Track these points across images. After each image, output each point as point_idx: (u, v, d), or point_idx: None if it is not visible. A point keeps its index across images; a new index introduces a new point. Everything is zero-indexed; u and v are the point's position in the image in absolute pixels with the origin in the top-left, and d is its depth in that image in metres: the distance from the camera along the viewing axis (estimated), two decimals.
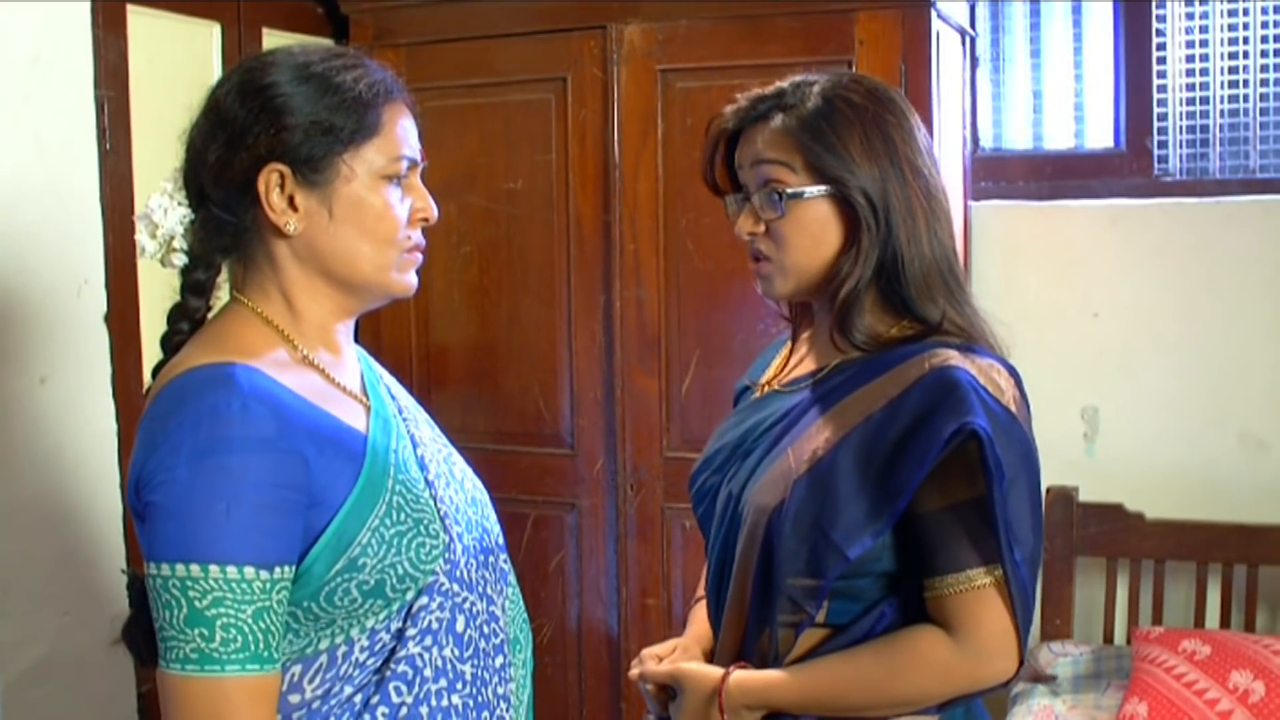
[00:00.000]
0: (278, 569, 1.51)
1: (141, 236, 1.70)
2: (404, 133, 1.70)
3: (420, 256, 1.75)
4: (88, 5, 2.92)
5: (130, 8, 3.02)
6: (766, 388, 1.99)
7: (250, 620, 1.48)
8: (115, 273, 2.98)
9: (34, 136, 2.82)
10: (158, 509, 1.51)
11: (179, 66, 3.20)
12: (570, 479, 3.56)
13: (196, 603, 1.47)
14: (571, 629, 3.60)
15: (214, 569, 1.47)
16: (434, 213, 1.74)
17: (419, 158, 1.73)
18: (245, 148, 1.62)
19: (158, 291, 3.05)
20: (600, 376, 3.48)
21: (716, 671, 1.84)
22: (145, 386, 2.97)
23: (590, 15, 3.39)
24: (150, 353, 3.05)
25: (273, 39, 3.43)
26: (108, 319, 2.98)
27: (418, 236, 1.73)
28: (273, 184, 1.62)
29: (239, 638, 1.47)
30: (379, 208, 1.66)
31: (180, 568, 1.47)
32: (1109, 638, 3.59)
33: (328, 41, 1.77)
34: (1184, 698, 3.01)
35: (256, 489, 1.51)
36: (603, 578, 3.54)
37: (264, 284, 1.70)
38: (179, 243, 1.69)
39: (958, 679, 1.74)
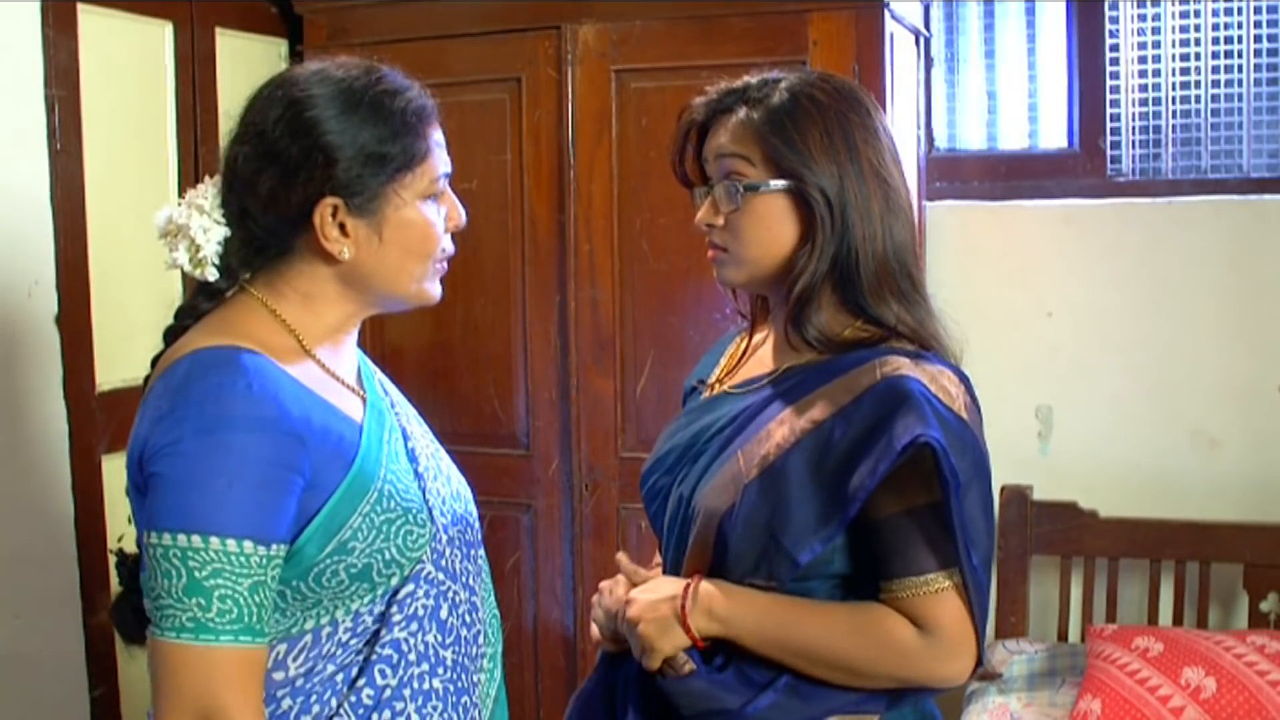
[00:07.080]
0: (274, 545, 1.57)
1: (179, 254, 1.71)
2: (442, 150, 1.76)
3: (447, 264, 1.81)
4: (38, 4, 2.89)
5: (81, 7, 3.00)
6: (717, 387, 1.99)
7: (246, 593, 1.54)
8: (66, 274, 2.97)
9: None
10: (162, 480, 1.55)
11: (130, 66, 3.18)
12: (526, 480, 3.55)
13: (196, 573, 1.51)
14: (528, 629, 3.59)
15: (214, 541, 1.52)
16: (463, 217, 1.80)
17: (451, 169, 1.78)
18: (300, 183, 1.66)
19: (109, 293, 3.05)
20: (555, 377, 3.48)
21: (680, 580, 1.82)
22: (96, 388, 3.00)
23: (544, 15, 3.39)
24: (102, 354, 3.04)
25: (226, 39, 3.42)
26: (58, 320, 2.96)
27: (449, 244, 1.79)
28: (327, 216, 1.67)
29: (234, 609, 1.52)
30: (423, 226, 1.73)
31: (182, 538, 1.52)
32: (1063, 635, 3.61)
33: (357, 59, 1.78)
34: (1137, 694, 3.03)
35: (257, 466, 1.56)
36: (558, 578, 3.54)
37: (283, 287, 1.74)
38: (213, 258, 1.72)
39: (914, 666, 1.73)
